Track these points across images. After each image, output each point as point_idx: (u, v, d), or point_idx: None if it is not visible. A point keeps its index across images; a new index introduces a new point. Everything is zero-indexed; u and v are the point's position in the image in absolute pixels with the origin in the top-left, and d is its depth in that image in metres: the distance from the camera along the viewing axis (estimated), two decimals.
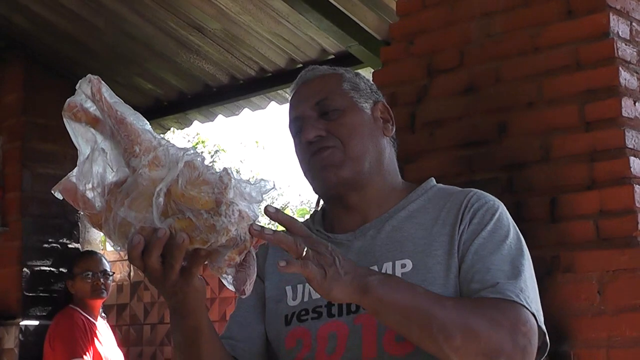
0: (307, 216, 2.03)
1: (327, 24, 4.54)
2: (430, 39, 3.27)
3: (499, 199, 2.83)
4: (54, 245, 5.91)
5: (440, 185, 1.91)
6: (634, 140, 2.76)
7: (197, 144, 16.85)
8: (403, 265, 1.72)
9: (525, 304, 1.63)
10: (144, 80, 5.90)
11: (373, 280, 1.52)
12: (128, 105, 1.42)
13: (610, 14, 2.84)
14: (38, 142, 5.88)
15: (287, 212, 17.28)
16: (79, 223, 6.07)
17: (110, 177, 1.40)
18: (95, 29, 5.39)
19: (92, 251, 5.15)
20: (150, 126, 1.42)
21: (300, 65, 5.22)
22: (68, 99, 1.42)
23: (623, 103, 2.76)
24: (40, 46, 5.79)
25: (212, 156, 17.21)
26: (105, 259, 5.05)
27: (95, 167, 1.40)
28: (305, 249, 1.46)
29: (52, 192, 1.41)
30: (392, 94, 3.32)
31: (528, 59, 2.98)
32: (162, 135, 1.41)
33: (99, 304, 4.92)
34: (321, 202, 2.00)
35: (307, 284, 1.74)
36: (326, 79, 1.88)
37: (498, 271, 1.67)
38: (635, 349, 2.61)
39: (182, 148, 1.39)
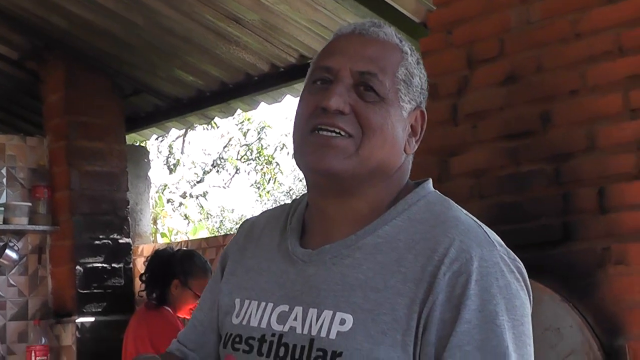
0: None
1: (364, 11, 4.48)
2: (469, 28, 3.22)
3: (546, 191, 2.83)
4: (105, 241, 5.97)
5: (434, 196, 1.54)
6: None
7: (242, 121, 16.89)
8: (342, 322, 1.41)
9: None
10: (185, 72, 5.91)
11: None
12: None
13: None
14: (82, 140, 5.92)
15: None
16: (129, 218, 6.12)
17: None
18: (134, 25, 5.40)
19: (210, 269, 4.57)
20: None
21: None
22: None
23: None
24: (80, 44, 5.82)
25: (258, 133, 17.24)
26: None
27: None
28: None
29: None
30: (433, 85, 3.24)
31: (569, 45, 2.92)
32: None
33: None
34: None
35: (254, 301, 1.54)
36: (387, 50, 1.52)
37: None
38: None
39: None
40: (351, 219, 1.51)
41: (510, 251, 1.45)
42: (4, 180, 5.83)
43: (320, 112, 1.47)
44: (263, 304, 1.52)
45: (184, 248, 5.34)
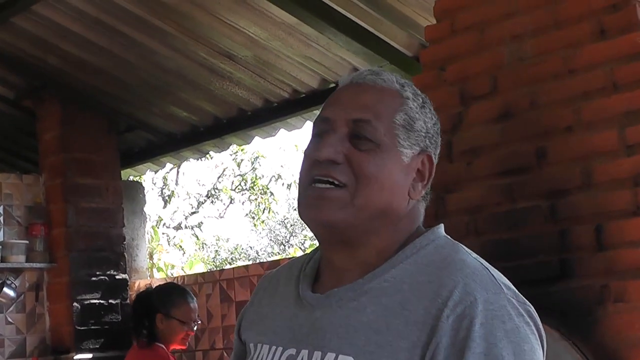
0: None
1: (356, 46, 4.52)
2: (462, 64, 3.22)
3: (542, 227, 2.83)
4: (102, 277, 5.98)
5: (443, 240, 1.53)
6: None
7: (236, 152, 16.91)
8: None
9: None
10: (179, 108, 5.94)
11: None
12: None
13: None
14: (78, 177, 5.95)
15: None
16: (125, 253, 6.12)
17: None
18: (128, 63, 5.43)
19: (190, 294, 4.71)
20: None
21: (334, 84, 5.20)
22: None
23: None
24: (75, 83, 5.86)
25: (252, 163, 17.25)
26: None
27: None
28: None
29: None
30: None
31: (563, 82, 2.92)
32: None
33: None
34: None
35: (265, 345, 1.56)
36: (384, 96, 1.52)
37: None
38: None
39: None
40: (359, 267, 1.50)
41: (520, 295, 1.43)
42: (1, 218, 5.85)
43: (316, 164, 1.49)
44: (274, 347, 1.53)
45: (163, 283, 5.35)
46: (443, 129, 3.16)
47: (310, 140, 1.55)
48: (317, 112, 5.23)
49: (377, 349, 1.39)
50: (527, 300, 1.43)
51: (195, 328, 4.58)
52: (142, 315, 4.49)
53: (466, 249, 1.50)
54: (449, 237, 1.54)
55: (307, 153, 1.53)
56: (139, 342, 4.47)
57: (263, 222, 18.25)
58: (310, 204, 1.48)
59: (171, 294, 4.60)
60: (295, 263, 1.68)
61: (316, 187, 1.48)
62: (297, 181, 1.55)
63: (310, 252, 1.67)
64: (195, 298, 4.66)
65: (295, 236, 19.60)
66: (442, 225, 1.55)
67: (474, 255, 1.48)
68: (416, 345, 1.37)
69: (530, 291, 2.78)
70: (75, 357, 5.72)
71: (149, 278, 6.61)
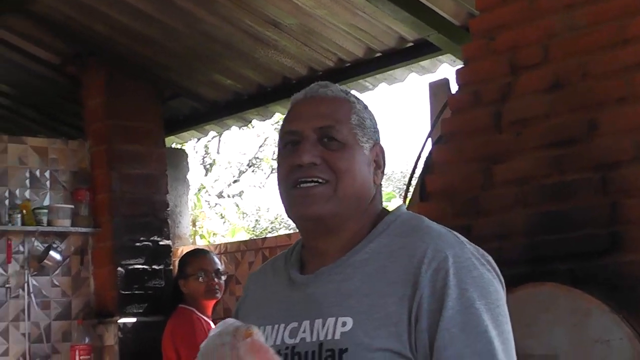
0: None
1: (403, 15, 4.48)
2: (512, 34, 3.19)
3: (592, 200, 2.80)
4: (146, 243, 6.04)
5: (408, 214, 1.81)
6: None
7: (277, 121, 16.89)
8: (344, 324, 1.66)
9: None
10: (224, 76, 5.95)
11: None
12: None
13: None
14: (123, 143, 6.00)
15: None
16: (168, 220, 6.17)
17: None
18: (174, 31, 5.44)
19: (204, 250, 5.04)
20: None
21: (379, 54, 5.18)
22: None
23: None
24: (121, 50, 5.88)
25: None
26: (218, 258, 4.92)
27: None
28: None
29: None
30: (475, 92, 3.27)
31: (616, 52, 2.88)
32: None
33: (212, 304, 4.80)
34: None
35: (268, 326, 1.76)
36: (337, 104, 1.78)
37: None
38: None
39: None
40: (339, 248, 1.76)
41: (480, 248, 1.71)
42: (48, 183, 5.92)
43: (297, 169, 1.74)
44: (276, 326, 1.76)
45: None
46: (492, 99, 3.18)
47: (280, 152, 1.79)
48: (362, 82, 5.19)
49: (369, 308, 1.65)
50: (485, 253, 1.71)
51: (221, 279, 4.75)
52: (173, 295, 4.84)
53: (428, 219, 1.78)
54: (411, 212, 1.83)
55: (284, 161, 1.77)
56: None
57: None
58: (299, 202, 1.74)
59: (183, 259, 4.88)
60: (277, 258, 1.92)
61: (302, 187, 1.73)
62: (278, 187, 1.79)
63: (291, 248, 1.91)
64: (209, 252, 4.95)
65: None
66: (403, 204, 1.86)
67: (436, 224, 1.76)
68: (402, 299, 1.63)
69: (579, 264, 2.78)
70: (119, 321, 5.80)
71: (191, 244, 6.64)
